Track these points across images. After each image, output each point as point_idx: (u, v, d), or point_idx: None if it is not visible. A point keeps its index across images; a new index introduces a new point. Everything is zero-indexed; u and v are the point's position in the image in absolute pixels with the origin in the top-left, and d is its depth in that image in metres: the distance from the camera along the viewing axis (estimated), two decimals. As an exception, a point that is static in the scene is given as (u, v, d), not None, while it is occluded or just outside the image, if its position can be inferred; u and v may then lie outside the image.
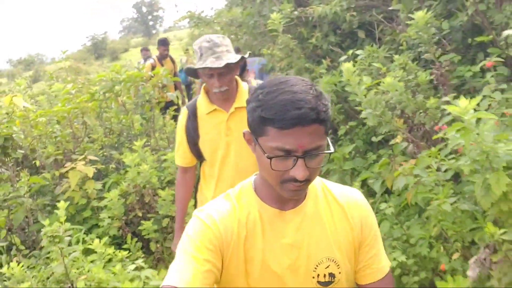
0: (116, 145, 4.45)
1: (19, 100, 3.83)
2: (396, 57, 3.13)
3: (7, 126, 3.74)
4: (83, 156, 3.95)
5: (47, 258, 2.87)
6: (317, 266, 1.06)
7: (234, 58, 1.95)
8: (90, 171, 3.75)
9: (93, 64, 35.83)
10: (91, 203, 3.71)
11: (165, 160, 3.90)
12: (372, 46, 3.58)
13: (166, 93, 5.07)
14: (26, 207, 3.60)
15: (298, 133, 0.93)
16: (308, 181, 0.99)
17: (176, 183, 2.30)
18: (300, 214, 1.07)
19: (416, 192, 2.30)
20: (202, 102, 2.11)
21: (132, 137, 4.48)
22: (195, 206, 2.37)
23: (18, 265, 2.47)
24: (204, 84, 2.13)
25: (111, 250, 2.70)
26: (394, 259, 2.35)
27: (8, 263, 2.55)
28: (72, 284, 2.44)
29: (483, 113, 1.77)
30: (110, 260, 2.69)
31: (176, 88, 6.22)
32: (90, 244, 2.81)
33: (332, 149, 1.00)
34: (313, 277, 1.06)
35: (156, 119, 4.73)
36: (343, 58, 3.64)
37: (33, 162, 4.03)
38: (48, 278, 2.61)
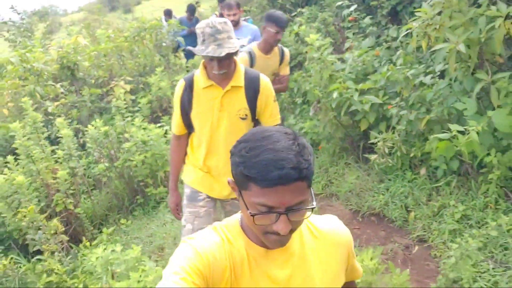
0: (143, 72, 6.57)
1: (81, 39, 5.95)
2: (320, 14, 5.13)
3: (74, 56, 5.89)
4: (122, 78, 6.09)
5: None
6: None
7: (234, 46, 2.06)
8: (128, 87, 5.90)
9: (107, 16, 37.45)
10: (128, 108, 5.88)
11: (176, 80, 6.02)
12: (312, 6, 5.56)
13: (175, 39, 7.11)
14: (88, 108, 5.80)
15: (280, 191, 0.94)
16: (293, 232, 1.01)
17: (170, 147, 2.48)
18: (286, 253, 1.09)
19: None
20: (199, 76, 2.21)
21: (153, 67, 6.58)
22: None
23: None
24: (203, 60, 2.24)
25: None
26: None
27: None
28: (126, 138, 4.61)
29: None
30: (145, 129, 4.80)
31: None
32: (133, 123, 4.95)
33: (314, 204, 1.02)
34: None
35: (169, 56, 6.82)
36: (293, 13, 5.64)
37: (90, 81, 6.19)
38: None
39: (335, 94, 3.67)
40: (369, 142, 3.67)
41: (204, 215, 2.35)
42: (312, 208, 1.01)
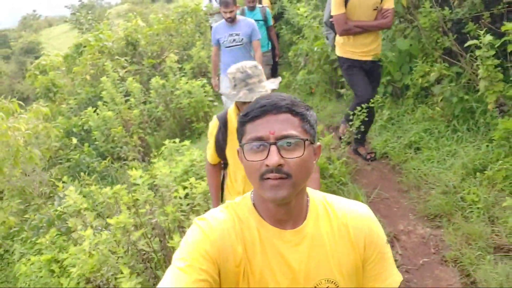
0: (186, 46, 8.54)
1: (140, 22, 8.00)
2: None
3: (135, 35, 7.96)
4: (171, 51, 8.09)
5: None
6: (315, 287, 1.05)
7: (265, 89, 2.08)
8: (175, 57, 7.89)
9: (148, 7, 40.24)
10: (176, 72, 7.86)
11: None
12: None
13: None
14: (146, 74, 7.85)
15: (269, 121, 0.97)
16: (288, 175, 0.97)
17: (206, 173, 2.55)
18: (299, 234, 1.06)
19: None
20: (233, 116, 2.26)
21: (194, 42, 8.53)
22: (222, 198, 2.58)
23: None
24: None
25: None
26: None
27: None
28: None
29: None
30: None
31: (271, 41, 6.41)
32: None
33: (303, 137, 0.99)
34: None
35: (207, 33, 8.75)
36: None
37: (147, 54, 8.24)
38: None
39: (317, 49, 5.46)
40: (341, 80, 5.45)
41: None
42: (304, 140, 0.98)
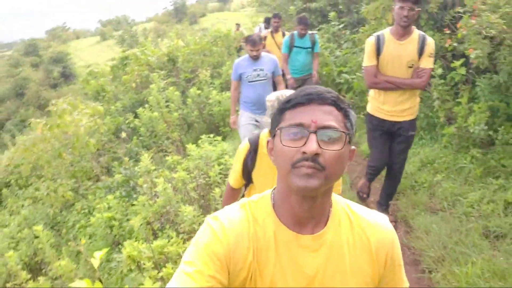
0: (216, 65, 10.13)
1: (180, 42, 9.64)
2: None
3: (175, 52, 9.59)
4: (204, 68, 9.68)
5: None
6: None
7: None
8: (208, 73, 9.46)
9: (174, 27, 42.76)
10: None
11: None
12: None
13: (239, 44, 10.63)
14: (182, 86, 9.41)
15: (313, 109, 0.96)
16: (322, 168, 0.95)
17: (225, 195, 2.58)
18: (319, 240, 1.03)
19: None
20: (264, 140, 2.25)
21: (224, 61, 10.10)
22: None
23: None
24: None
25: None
26: None
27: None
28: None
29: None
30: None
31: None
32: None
33: (351, 133, 1.00)
34: None
35: (234, 55, 10.33)
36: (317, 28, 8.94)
37: (184, 69, 9.83)
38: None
39: (325, 73, 6.97)
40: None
41: None
42: (347, 134, 0.97)
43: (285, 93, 2.27)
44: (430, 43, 3.22)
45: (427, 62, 3.24)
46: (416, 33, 3.21)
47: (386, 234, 1.08)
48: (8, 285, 5.64)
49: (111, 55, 38.61)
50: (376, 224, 1.09)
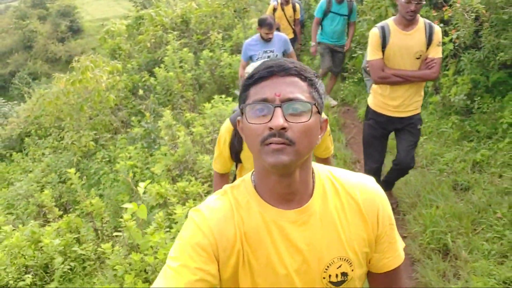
0: (227, 27, 10.62)
1: (193, 4, 10.10)
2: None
3: (189, 14, 10.07)
4: (215, 30, 10.18)
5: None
6: (328, 267, 1.03)
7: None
8: (219, 35, 9.98)
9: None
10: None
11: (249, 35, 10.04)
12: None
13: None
14: (194, 47, 9.95)
15: (275, 82, 0.95)
16: (291, 142, 0.93)
17: (214, 184, 2.46)
18: (306, 213, 1.03)
19: None
20: None
21: (234, 24, 10.58)
22: None
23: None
24: None
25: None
26: None
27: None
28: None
29: None
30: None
31: (294, 33, 7.08)
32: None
33: (312, 102, 0.97)
34: (324, 278, 1.04)
35: (244, 18, 10.80)
36: None
37: (196, 30, 10.33)
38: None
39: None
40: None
41: None
42: (314, 105, 0.96)
43: None
44: (438, 31, 3.10)
45: (436, 52, 3.12)
46: (421, 21, 3.09)
47: (373, 193, 1.08)
48: (39, 220, 6.43)
49: (118, 10, 38.64)
50: (362, 185, 1.09)
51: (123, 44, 10.19)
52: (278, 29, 6.23)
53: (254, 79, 0.98)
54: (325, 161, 2.39)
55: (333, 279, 1.05)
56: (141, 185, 3.12)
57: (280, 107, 0.93)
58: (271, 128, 0.93)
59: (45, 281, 4.67)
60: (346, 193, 1.07)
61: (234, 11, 10.95)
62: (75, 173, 5.53)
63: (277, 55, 4.50)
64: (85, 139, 7.89)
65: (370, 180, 1.12)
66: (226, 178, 2.42)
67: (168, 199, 4.05)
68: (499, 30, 4.45)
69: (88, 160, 8.15)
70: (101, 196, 6.69)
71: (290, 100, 0.94)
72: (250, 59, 4.69)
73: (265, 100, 0.95)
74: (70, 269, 4.60)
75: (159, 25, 10.11)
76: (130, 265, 3.01)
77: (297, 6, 7.08)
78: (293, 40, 6.89)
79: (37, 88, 14.12)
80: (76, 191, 5.99)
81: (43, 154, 9.81)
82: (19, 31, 36.62)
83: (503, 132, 4.21)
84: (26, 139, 10.32)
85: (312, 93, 0.99)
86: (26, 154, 10.31)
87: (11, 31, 37.36)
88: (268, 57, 4.60)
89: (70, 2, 40.29)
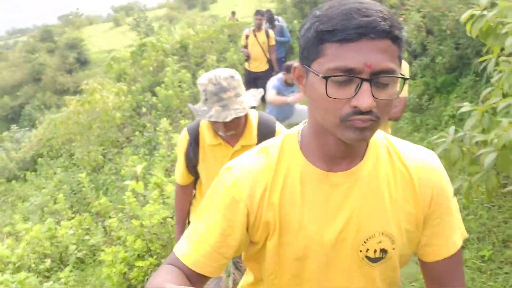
0: (222, 51, 11.66)
1: (191, 31, 11.18)
2: None
3: (187, 40, 11.16)
4: (211, 53, 11.22)
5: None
6: (367, 240, 0.94)
7: (242, 107, 1.86)
8: (214, 58, 11.00)
9: (186, 13, 44.18)
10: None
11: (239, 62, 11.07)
12: None
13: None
14: (192, 69, 10.99)
15: (365, 48, 0.76)
16: (377, 118, 0.81)
17: (175, 196, 2.37)
18: (353, 177, 0.93)
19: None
20: (206, 131, 2.05)
21: (228, 48, 11.61)
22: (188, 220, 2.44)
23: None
24: None
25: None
26: None
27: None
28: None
29: None
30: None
31: (270, 62, 6.59)
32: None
33: (407, 75, 0.85)
34: (361, 251, 0.95)
35: (238, 41, 11.85)
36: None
37: (193, 54, 11.38)
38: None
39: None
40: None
41: None
42: (405, 79, 0.82)
43: (220, 75, 1.88)
44: (405, 68, 2.79)
45: (402, 91, 3.02)
46: None
47: (432, 171, 0.96)
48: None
49: (124, 41, 40.25)
50: (420, 158, 0.97)
51: (127, 69, 11.23)
52: (248, 57, 6.54)
53: (337, 38, 0.77)
54: None
55: (371, 254, 0.95)
56: (139, 167, 3.99)
57: (369, 81, 0.78)
58: (355, 107, 0.79)
59: (60, 268, 5.50)
60: (402, 164, 0.96)
61: (229, 36, 12.03)
62: (84, 178, 6.41)
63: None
64: (94, 154, 8.82)
65: (431, 156, 0.99)
66: (188, 190, 2.31)
67: (163, 187, 4.91)
68: (441, 39, 5.37)
69: (97, 173, 9.06)
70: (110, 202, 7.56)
71: (381, 72, 0.78)
72: (277, 93, 4.68)
73: (351, 71, 0.77)
74: (82, 261, 5.43)
75: (160, 50, 11.17)
76: (131, 230, 3.86)
77: (270, 32, 6.67)
78: (268, 73, 6.42)
79: (47, 115, 15.23)
80: (87, 195, 6.89)
81: (55, 173, 10.73)
82: (28, 64, 38.28)
83: (445, 124, 5.05)
84: (39, 159, 11.28)
85: (400, 56, 0.82)
86: (39, 174, 11.25)
87: (21, 65, 39.06)
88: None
89: (77, 35, 42.14)
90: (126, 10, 57.64)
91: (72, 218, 6.69)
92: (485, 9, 2.31)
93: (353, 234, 0.94)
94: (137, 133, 8.63)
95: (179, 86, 9.62)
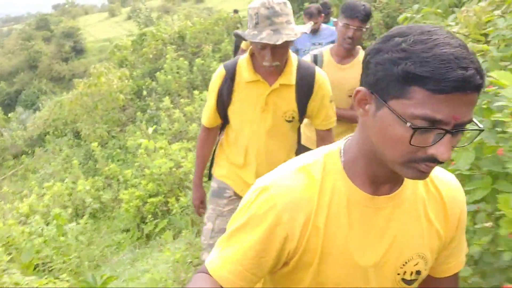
0: (217, 41, 12.76)
1: (188, 22, 12.28)
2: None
3: (184, 30, 12.27)
4: (207, 44, 12.33)
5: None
6: (406, 262, 0.95)
7: (294, 32, 1.81)
8: (210, 48, 12.11)
9: (181, 5, 45.16)
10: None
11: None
12: None
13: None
14: (189, 58, 12.10)
15: (456, 101, 0.73)
16: (441, 163, 0.80)
17: (198, 139, 2.30)
18: (396, 201, 0.92)
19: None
20: (244, 67, 1.98)
21: (223, 39, 12.71)
22: (210, 168, 2.36)
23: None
24: (251, 47, 1.99)
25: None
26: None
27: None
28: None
29: None
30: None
31: None
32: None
33: (482, 126, 0.81)
34: (398, 274, 0.95)
35: (231, 35, 12.95)
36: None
37: (191, 45, 12.48)
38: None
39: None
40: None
41: (227, 214, 2.18)
42: (481, 130, 0.81)
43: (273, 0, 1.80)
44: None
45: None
46: (361, 54, 2.67)
47: (458, 192, 0.98)
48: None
49: (119, 31, 41.15)
50: (448, 181, 0.98)
51: (129, 56, 12.32)
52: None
53: (431, 88, 0.72)
54: (326, 134, 2.16)
55: (407, 276, 0.95)
56: (150, 129, 5.12)
57: (451, 133, 0.75)
58: (433, 156, 0.77)
59: (77, 218, 6.63)
60: (434, 187, 0.96)
61: (226, 29, 13.15)
62: (97, 146, 7.52)
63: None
64: (100, 130, 9.91)
65: (454, 177, 1.01)
66: (213, 134, 2.25)
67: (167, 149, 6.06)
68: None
69: (103, 147, 10.17)
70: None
71: (464, 123, 0.75)
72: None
73: (438, 123, 0.74)
74: (95, 216, 6.54)
75: (160, 40, 12.25)
76: (144, 176, 5.02)
77: None
78: None
79: (53, 98, 16.25)
80: (98, 162, 8.01)
81: (61, 149, 11.80)
82: (24, 52, 39.02)
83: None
84: (47, 136, 12.33)
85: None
86: (46, 150, 12.31)
87: (17, 52, 39.78)
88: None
89: (73, 24, 42.92)
90: (121, 0, 58.60)
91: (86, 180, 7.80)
92: (414, 13, 3.49)
93: (394, 258, 0.94)
94: (138, 113, 9.73)
95: (177, 72, 10.73)
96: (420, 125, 0.74)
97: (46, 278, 3.39)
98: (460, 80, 0.71)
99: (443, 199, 0.96)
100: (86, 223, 6.05)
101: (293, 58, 2.02)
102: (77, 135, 11.51)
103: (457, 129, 0.76)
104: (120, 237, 5.63)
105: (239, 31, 1.94)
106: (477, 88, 0.73)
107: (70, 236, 4.83)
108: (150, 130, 5.29)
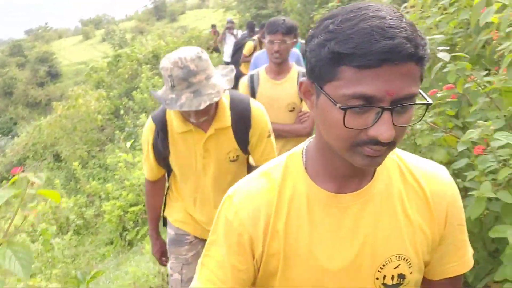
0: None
1: (162, 42, 12.74)
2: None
3: (158, 50, 12.71)
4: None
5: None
6: (384, 265, 0.87)
7: (216, 90, 1.65)
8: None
9: (155, 24, 45.56)
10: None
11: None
12: None
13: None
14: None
15: (387, 74, 0.68)
16: (392, 144, 0.75)
17: (146, 193, 2.20)
18: (364, 197, 0.86)
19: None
20: (174, 118, 1.85)
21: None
22: (163, 209, 2.25)
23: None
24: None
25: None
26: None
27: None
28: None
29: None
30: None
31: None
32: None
33: (429, 100, 0.76)
34: (377, 278, 0.88)
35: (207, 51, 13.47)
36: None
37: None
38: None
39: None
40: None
41: (193, 261, 2.10)
42: (428, 105, 0.76)
43: (186, 56, 1.65)
44: None
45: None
46: (294, 70, 2.76)
47: (445, 185, 0.89)
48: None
49: (94, 53, 41.30)
50: (433, 174, 0.90)
51: (105, 77, 12.69)
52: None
53: (356, 63, 0.68)
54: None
55: (388, 281, 0.87)
56: (128, 143, 5.50)
57: (390, 110, 0.70)
58: (374, 137, 0.72)
59: (61, 234, 6.92)
60: (414, 180, 0.89)
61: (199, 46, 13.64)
62: (78, 165, 7.83)
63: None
64: (80, 151, 10.22)
65: (443, 170, 0.92)
66: (159, 183, 2.13)
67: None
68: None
69: (83, 167, 10.47)
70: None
71: (403, 99, 0.70)
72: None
73: (370, 98, 0.69)
74: (78, 233, 6.84)
75: (134, 60, 12.66)
76: (124, 187, 5.37)
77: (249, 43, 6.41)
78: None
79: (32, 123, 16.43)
80: (79, 180, 8.30)
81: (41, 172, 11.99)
82: (-2, 78, 38.84)
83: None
84: (27, 160, 12.53)
85: (422, 74, 0.73)
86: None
87: (-9, 79, 39.54)
88: None
89: (47, 48, 42.94)
90: (95, 23, 58.66)
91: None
92: None
93: (368, 261, 0.86)
94: (117, 131, 10.07)
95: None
96: (352, 104, 0.70)
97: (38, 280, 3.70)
98: (385, 52, 0.66)
99: (425, 191, 0.88)
100: (70, 239, 6.35)
101: (224, 98, 1.87)
102: (57, 158, 11.75)
103: (395, 105, 0.70)
104: (104, 250, 5.95)
105: (155, 92, 1.78)
106: (410, 57, 0.68)
107: (56, 249, 5.13)
108: (128, 144, 5.64)
